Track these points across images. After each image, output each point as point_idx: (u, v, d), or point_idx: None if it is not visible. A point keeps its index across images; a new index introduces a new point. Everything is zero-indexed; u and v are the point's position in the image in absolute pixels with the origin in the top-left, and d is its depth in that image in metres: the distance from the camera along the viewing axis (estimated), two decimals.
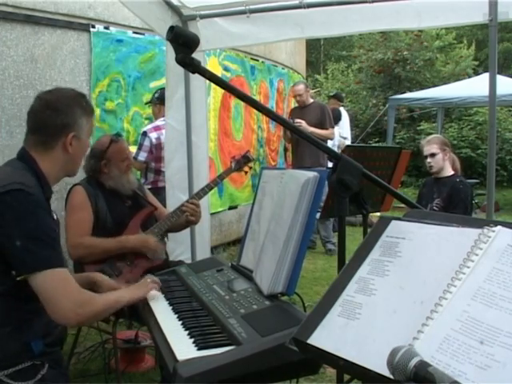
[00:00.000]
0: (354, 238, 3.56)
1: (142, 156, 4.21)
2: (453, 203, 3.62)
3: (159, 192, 3.94)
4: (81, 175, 3.14)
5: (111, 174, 2.85)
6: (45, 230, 1.58)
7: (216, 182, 3.10)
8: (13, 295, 1.59)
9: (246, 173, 3.27)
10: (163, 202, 3.50)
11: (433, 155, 3.74)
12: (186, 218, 2.95)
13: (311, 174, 1.60)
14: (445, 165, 3.76)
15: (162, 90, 4.51)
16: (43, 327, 1.64)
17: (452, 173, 3.79)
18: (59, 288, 1.55)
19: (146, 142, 4.22)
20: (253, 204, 2.12)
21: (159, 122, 4.32)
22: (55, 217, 1.80)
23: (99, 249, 2.71)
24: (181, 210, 2.93)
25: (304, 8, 3.10)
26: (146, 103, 4.68)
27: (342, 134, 7.79)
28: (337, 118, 6.92)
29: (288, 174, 1.83)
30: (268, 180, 2.03)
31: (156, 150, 4.26)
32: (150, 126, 4.34)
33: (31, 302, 1.58)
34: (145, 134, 4.26)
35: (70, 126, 1.73)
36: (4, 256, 1.55)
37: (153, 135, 4.24)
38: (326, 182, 1.81)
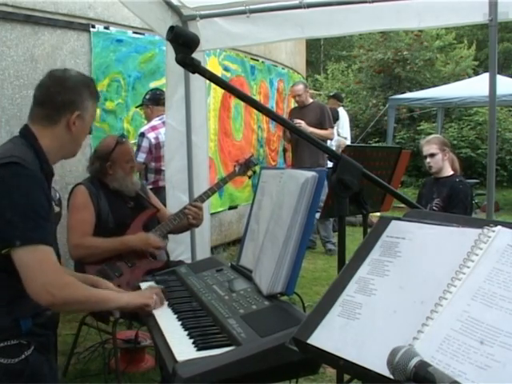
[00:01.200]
0: (354, 237, 3.55)
1: (141, 157, 4.21)
2: (452, 203, 3.62)
3: (160, 191, 3.95)
4: (83, 175, 3.15)
5: (116, 175, 2.85)
6: (33, 205, 1.58)
7: (219, 186, 3.11)
8: (3, 270, 1.59)
9: (250, 177, 3.26)
10: (164, 202, 3.50)
11: (432, 155, 3.75)
12: (188, 221, 2.95)
13: (310, 174, 1.60)
14: (444, 165, 3.77)
15: (152, 91, 4.50)
16: (34, 307, 1.63)
17: (451, 173, 3.79)
18: (36, 264, 1.54)
19: (145, 143, 4.22)
20: (252, 204, 2.12)
21: (155, 122, 4.31)
22: (57, 196, 1.80)
23: (100, 249, 2.71)
24: (183, 213, 2.93)
25: (304, 8, 3.10)
26: (137, 106, 4.64)
27: (341, 134, 7.79)
28: (334, 118, 6.92)
29: (287, 173, 1.83)
30: (267, 180, 2.03)
31: (155, 150, 4.26)
32: (147, 127, 4.33)
33: (19, 277, 1.58)
34: (143, 135, 4.25)
35: (76, 104, 1.74)
36: None
37: (151, 135, 4.24)
38: (326, 182, 1.81)
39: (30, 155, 1.65)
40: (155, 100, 4.39)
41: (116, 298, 1.77)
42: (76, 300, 1.64)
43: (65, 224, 2.88)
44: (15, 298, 1.61)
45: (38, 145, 1.70)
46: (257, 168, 3.17)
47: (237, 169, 3.13)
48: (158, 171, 4.33)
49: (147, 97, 4.46)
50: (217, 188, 3.09)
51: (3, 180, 1.57)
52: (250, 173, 3.16)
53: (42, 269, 1.55)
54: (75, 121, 1.74)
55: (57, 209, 2.97)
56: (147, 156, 4.24)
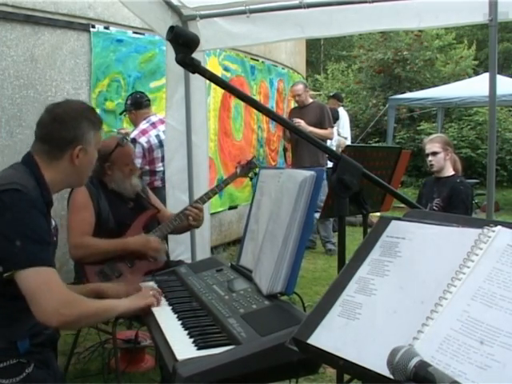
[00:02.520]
0: (354, 238, 3.55)
1: (137, 163, 4.20)
2: (453, 204, 3.61)
3: (156, 192, 3.94)
4: None
5: (114, 176, 2.85)
6: (35, 228, 1.59)
7: (220, 188, 3.11)
8: (1, 293, 1.60)
9: (251, 179, 3.27)
10: (160, 202, 3.49)
11: (434, 154, 3.75)
12: (188, 222, 2.95)
13: (308, 174, 1.61)
14: (446, 164, 3.77)
15: (132, 95, 4.46)
16: (31, 327, 1.64)
17: (453, 173, 3.79)
18: (42, 286, 1.54)
19: (138, 149, 4.20)
20: (251, 204, 2.12)
21: (143, 126, 4.30)
22: (53, 223, 1.81)
23: (100, 249, 2.71)
24: (184, 214, 2.93)
25: (304, 8, 3.10)
26: (121, 113, 4.58)
27: (341, 134, 7.79)
28: (334, 118, 6.92)
29: (285, 173, 1.83)
30: (266, 180, 2.03)
31: (149, 154, 4.27)
32: (136, 132, 4.29)
33: (20, 300, 1.58)
34: (134, 141, 4.22)
35: (77, 139, 1.75)
36: None
37: (143, 140, 4.22)
38: (326, 182, 1.81)
39: (31, 183, 1.66)
40: (137, 104, 4.36)
41: (119, 305, 1.79)
42: (86, 315, 1.64)
43: (65, 224, 2.88)
44: (11, 320, 1.62)
45: (41, 174, 1.71)
46: (258, 169, 3.19)
47: (238, 170, 3.13)
48: (153, 172, 4.33)
49: (128, 102, 4.41)
50: (218, 189, 3.09)
51: (4, 205, 1.57)
52: (251, 174, 3.17)
53: (49, 291, 1.55)
54: (78, 154, 1.75)
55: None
56: (142, 161, 4.24)
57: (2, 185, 1.60)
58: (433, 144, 3.78)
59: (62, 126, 1.73)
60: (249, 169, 3.14)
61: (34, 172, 1.70)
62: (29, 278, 1.53)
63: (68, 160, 1.75)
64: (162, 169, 4.33)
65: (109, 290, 2.00)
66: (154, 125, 4.34)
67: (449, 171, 3.78)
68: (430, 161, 3.77)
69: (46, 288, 1.54)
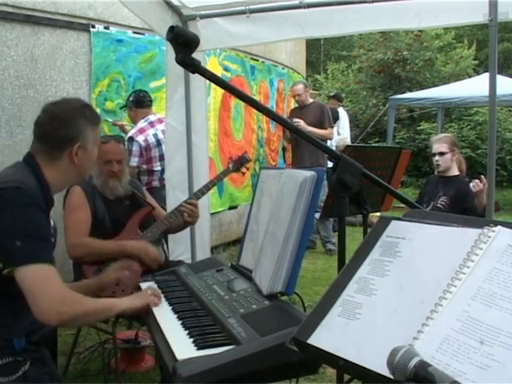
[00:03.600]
0: (354, 238, 3.55)
1: (134, 161, 4.19)
2: (468, 206, 3.60)
3: (154, 192, 3.94)
4: None
5: (93, 171, 2.85)
6: (35, 225, 1.59)
7: (214, 183, 3.11)
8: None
9: (244, 174, 3.28)
10: (158, 202, 3.49)
11: (442, 154, 3.76)
12: (183, 219, 2.94)
13: (309, 174, 1.61)
14: (452, 165, 3.79)
15: (135, 93, 4.46)
16: (28, 325, 1.64)
17: (458, 173, 3.81)
18: (41, 284, 1.54)
19: (135, 147, 4.20)
20: (251, 204, 2.12)
21: (142, 124, 4.29)
22: (52, 223, 1.81)
23: (98, 250, 2.71)
24: (179, 211, 2.93)
25: (304, 8, 3.10)
26: (121, 108, 4.59)
27: (341, 135, 7.79)
28: (334, 118, 6.92)
29: (286, 173, 1.83)
30: (266, 180, 2.03)
31: (146, 152, 4.25)
32: (134, 131, 4.28)
33: (17, 299, 1.58)
34: (131, 139, 4.22)
35: (75, 137, 1.75)
36: None
37: (140, 138, 4.21)
38: (326, 183, 1.81)
39: (32, 181, 1.66)
40: (138, 102, 4.36)
41: (117, 304, 1.79)
42: (84, 313, 1.64)
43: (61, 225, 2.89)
44: (8, 319, 1.62)
45: (41, 173, 1.71)
46: (252, 164, 3.19)
47: (230, 166, 3.14)
48: (151, 172, 4.32)
49: (131, 98, 4.41)
50: (211, 185, 3.09)
51: (5, 201, 1.57)
52: (243, 169, 3.17)
53: (48, 288, 1.55)
54: (77, 152, 1.75)
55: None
56: (139, 160, 4.24)
57: (3, 182, 1.61)
58: (441, 144, 3.78)
59: (59, 124, 1.73)
60: (241, 164, 3.14)
61: (34, 171, 1.70)
62: (28, 275, 1.53)
63: (67, 159, 1.75)
64: (159, 168, 4.32)
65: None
66: (152, 124, 4.33)
67: (454, 171, 3.80)
68: (437, 160, 3.78)
69: (45, 286, 1.54)
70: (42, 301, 1.53)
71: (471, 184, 3.59)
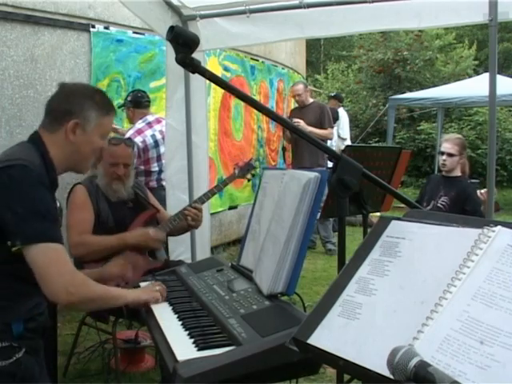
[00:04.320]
0: (354, 238, 3.56)
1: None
2: (470, 208, 3.60)
3: (151, 192, 3.93)
4: (82, 175, 3.15)
5: (99, 171, 2.86)
6: (44, 204, 1.59)
7: (219, 188, 3.12)
8: (3, 271, 1.59)
9: (249, 180, 3.29)
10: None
11: (450, 155, 3.77)
12: (187, 223, 2.95)
13: (312, 175, 1.60)
14: (457, 167, 3.81)
15: (133, 92, 4.44)
16: (27, 311, 1.64)
17: (460, 174, 3.82)
18: (52, 263, 1.54)
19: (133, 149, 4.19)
20: (253, 204, 2.12)
21: (139, 125, 4.28)
22: (58, 204, 1.81)
23: (100, 246, 2.72)
24: (183, 214, 2.93)
25: (304, 8, 3.10)
26: (120, 107, 4.54)
27: (341, 135, 7.79)
28: (334, 118, 6.92)
29: (289, 174, 1.83)
30: (269, 180, 2.03)
31: (144, 154, 4.24)
32: (132, 132, 4.27)
33: (21, 282, 1.58)
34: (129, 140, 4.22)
35: (74, 112, 1.74)
36: (1, 226, 1.56)
37: (138, 140, 4.18)
38: (326, 182, 1.81)
39: (37, 159, 1.65)
40: (136, 102, 4.35)
41: (124, 295, 1.81)
42: (92, 297, 1.66)
43: (64, 223, 2.89)
44: (9, 301, 1.61)
45: (46, 150, 1.71)
46: (256, 171, 3.21)
47: (236, 171, 3.15)
48: (148, 173, 4.31)
49: (129, 98, 4.40)
50: (217, 190, 3.09)
51: (12, 180, 1.57)
52: (249, 176, 3.18)
53: (59, 268, 1.55)
54: (74, 129, 1.73)
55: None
56: (137, 161, 4.23)
57: (9, 160, 1.60)
58: (452, 145, 3.79)
59: (64, 98, 1.75)
60: (247, 170, 3.16)
61: (39, 149, 1.70)
62: (39, 254, 1.53)
63: (64, 133, 1.73)
64: (157, 169, 4.31)
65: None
66: (149, 124, 4.32)
67: (457, 172, 3.82)
68: (444, 160, 3.79)
69: (56, 265, 1.54)
70: (53, 279, 1.53)
71: (479, 192, 3.60)
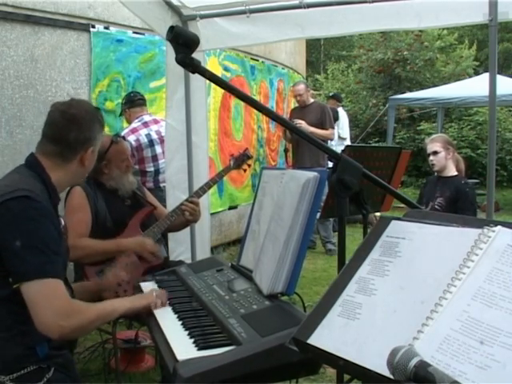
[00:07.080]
0: (354, 238, 3.56)
1: None
2: (462, 205, 3.61)
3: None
4: None
5: (112, 174, 2.85)
6: (43, 238, 1.57)
7: (215, 181, 3.11)
8: (14, 300, 1.58)
9: (245, 170, 3.29)
10: None
11: (435, 153, 3.76)
12: (185, 217, 2.95)
13: (311, 175, 1.60)
14: (448, 164, 3.78)
15: (127, 95, 4.42)
16: None
17: (456, 173, 3.80)
18: (43, 299, 1.53)
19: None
20: (253, 204, 2.12)
21: (135, 124, 4.27)
22: (62, 222, 1.80)
23: (96, 250, 2.71)
24: (180, 209, 2.93)
25: (304, 8, 3.10)
26: (120, 115, 4.53)
27: (341, 135, 7.79)
28: (334, 118, 6.92)
29: (288, 174, 1.83)
30: (268, 180, 2.03)
31: (137, 152, 4.22)
32: (126, 130, 4.26)
33: None
34: (123, 139, 4.21)
35: (91, 141, 1.76)
36: (3, 261, 1.56)
37: (131, 138, 4.17)
38: (326, 182, 1.81)
39: (38, 186, 1.64)
40: (130, 102, 4.33)
41: (119, 306, 1.79)
42: (87, 323, 1.63)
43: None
44: (27, 326, 1.59)
45: (47, 175, 1.69)
46: (252, 163, 3.20)
47: (232, 162, 3.15)
48: (143, 173, 4.29)
49: (123, 101, 4.39)
50: (213, 183, 3.09)
51: (13, 214, 1.55)
52: (245, 166, 3.18)
53: (49, 303, 1.54)
54: (89, 156, 1.76)
55: None
56: (131, 159, 4.22)
57: (10, 192, 1.57)
58: (434, 144, 3.79)
59: (78, 127, 1.73)
60: (242, 161, 3.16)
61: (39, 174, 1.68)
62: (31, 290, 1.53)
63: (78, 161, 1.74)
64: (152, 169, 4.29)
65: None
66: (145, 124, 4.30)
67: (452, 171, 3.79)
68: (431, 160, 3.78)
69: (47, 300, 1.53)
70: (43, 315, 1.52)
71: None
